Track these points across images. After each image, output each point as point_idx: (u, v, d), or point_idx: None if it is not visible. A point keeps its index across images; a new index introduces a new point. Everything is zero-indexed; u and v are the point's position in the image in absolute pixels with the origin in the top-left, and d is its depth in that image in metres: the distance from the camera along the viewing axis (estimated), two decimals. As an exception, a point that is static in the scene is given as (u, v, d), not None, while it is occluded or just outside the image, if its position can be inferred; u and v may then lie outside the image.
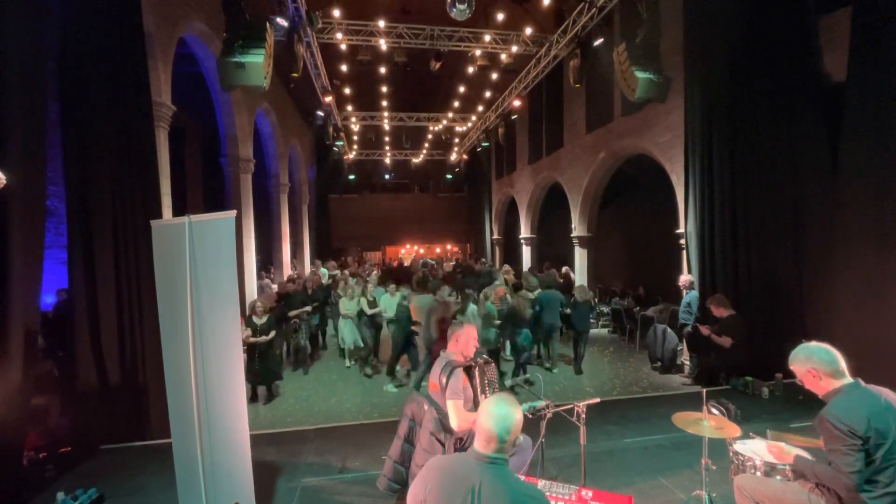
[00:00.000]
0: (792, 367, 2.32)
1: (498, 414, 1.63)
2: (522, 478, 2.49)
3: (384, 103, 15.25)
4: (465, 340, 2.98)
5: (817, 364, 2.18)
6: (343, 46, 10.53)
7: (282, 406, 6.15)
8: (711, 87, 6.10)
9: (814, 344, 2.28)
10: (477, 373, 2.88)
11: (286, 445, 4.51)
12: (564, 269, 10.82)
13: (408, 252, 25.52)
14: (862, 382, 2.15)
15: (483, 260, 17.13)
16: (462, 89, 13.81)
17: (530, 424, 3.01)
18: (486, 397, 2.98)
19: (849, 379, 2.16)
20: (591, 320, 7.91)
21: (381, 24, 9.94)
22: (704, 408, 2.80)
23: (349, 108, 16.04)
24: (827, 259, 5.36)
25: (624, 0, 8.01)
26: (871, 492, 2.00)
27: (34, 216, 3.88)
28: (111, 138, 4.72)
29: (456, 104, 15.60)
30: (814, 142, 5.52)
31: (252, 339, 5.90)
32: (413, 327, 6.68)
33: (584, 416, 2.68)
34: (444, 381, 2.68)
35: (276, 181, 12.62)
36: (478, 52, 10.70)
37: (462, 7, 7.50)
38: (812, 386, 2.25)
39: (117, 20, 4.78)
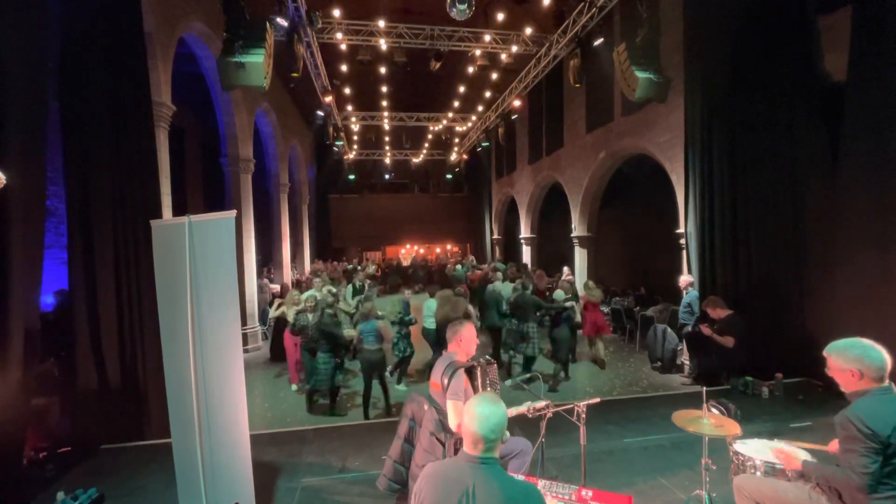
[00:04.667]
0: (833, 360, 2.19)
1: (481, 414, 1.63)
2: (522, 476, 2.49)
3: (384, 103, 15.24)
4: (467, 339, 2.98)
5: (868, 366, 2.08)
6: (343, 46, 10.52)
7: (282, 406, 6.16)
8: (711, 87, 6.09)
9: (868, 342, 2.15)
10: (479, 373, 2.88)
11: (286, 445, 4.51)
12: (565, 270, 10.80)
13: (408, 252, 25.53)
14: (894, 387, 2.09)
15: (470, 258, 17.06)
16: (462, 89, 13.80)
17: (530, 424, 3.02)
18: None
19: (884, 382, 2.09)
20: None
21: (381, 23, 9.94)
22: (704, 407, 2.80)
23: (349, 108, 16.03)
24: (827, 258, 5.36)
25: (624, 0, 8.01)
26: (880, 493, 1.99)
27: (34, 216, 3.88)
28: (111, 138, 4.72)
29: (456, 104, 15.58)
30: (814, 142, 5.52)
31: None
32: None
33: (584, 416, 2.68)
34: (445, 381, 2.68)
35: (276, 181, 12.60)
36: (478, 52, 10.69)
37: (462, 7, 7.50)
38: (844, 381, 2.16)
39: (117, 20, 4.78)
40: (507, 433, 1.70)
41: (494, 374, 3.03)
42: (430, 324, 6.75)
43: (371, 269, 12.24)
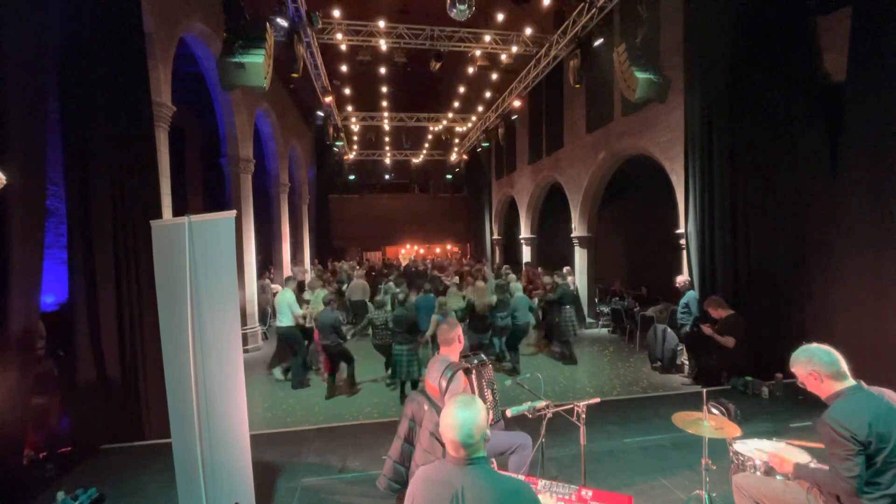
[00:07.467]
0: (793, 370, 2.30)
1: (454, 424, 1.62)
2: (522, 476, 2.49)
3: (384, 103, 15.25)
4: (459, 341, 2.98)
5: (818, 366, 2.16)
6: (343, 46, 10.52)
7: (282, 406, 6.16)
8: (711, 87, 6.09)
9: (815, 345, 2.25)
10: (474, 374, 2.87)
11: (286, 445, 4.51)
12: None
13: (408, 252, 25.52)
14: (864, 385, 2.13)
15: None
16: (462, 89, 13.81)
17: (530, 424, 3.02)
18: (486, 398, 2.98)
19: (851, 381, 2.14)
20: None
21: (381, 24, 9.94)
22: (704, 408, 2.80)
23: (349, 108, 16.03)
24: (827, 259, 5.36)
25: (624, 0, 8.01)
26: (870, 493, 2.00)
27: (34, 216, 3.88)
28: (111, 138, 4.72)
29: (456, 104, 15.59)
30: (814, 142, 5.52)
31: None
32: None
33: (584, 416, 2.68)
34: (444, 384, 2.67)
35: (276, 181, 12.60)
36: (478, 53, 10.69)
37: (462, 7, 7.49)
38: (814, 388, 2.23)
39: (117, 20, 4.78)
40: (489, 432, 1.69)
41: (490, 373, 3.04)
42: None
43: (345, 266, 12.95)
